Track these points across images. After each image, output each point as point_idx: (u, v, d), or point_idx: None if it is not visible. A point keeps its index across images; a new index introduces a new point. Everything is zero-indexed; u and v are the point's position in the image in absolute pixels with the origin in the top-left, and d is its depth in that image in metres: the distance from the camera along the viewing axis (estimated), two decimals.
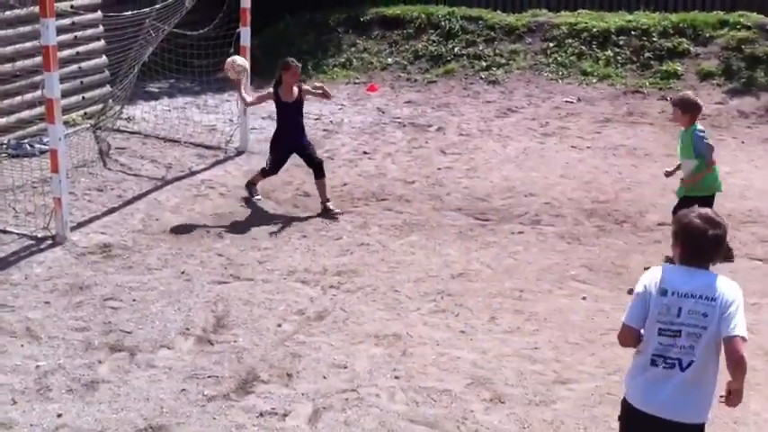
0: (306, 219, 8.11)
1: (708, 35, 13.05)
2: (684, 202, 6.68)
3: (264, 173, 8.47)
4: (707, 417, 3.67)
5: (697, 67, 12.61)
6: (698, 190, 6.90)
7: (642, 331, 3.67)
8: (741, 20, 13.19)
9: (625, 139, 10.59)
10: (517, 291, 6.69)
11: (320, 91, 8.32)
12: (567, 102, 12.12)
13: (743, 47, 12.74)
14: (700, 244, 3.56)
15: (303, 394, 5.24)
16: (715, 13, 13.56)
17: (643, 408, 3.66)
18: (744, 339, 3.47)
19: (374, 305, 6.42)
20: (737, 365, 3.47)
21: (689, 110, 6.96)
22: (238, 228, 7.82)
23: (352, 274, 6.91)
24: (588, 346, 5.88)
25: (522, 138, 10.70)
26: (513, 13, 14.44)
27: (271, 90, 8.31)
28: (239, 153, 9.90)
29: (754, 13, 13.33)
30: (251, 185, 8.56)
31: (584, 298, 6.58)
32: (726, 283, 3.58)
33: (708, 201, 6.70)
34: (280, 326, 6.06)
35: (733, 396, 3.56)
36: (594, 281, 6.88)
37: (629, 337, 3.72)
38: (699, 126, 7.03)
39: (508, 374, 5.51)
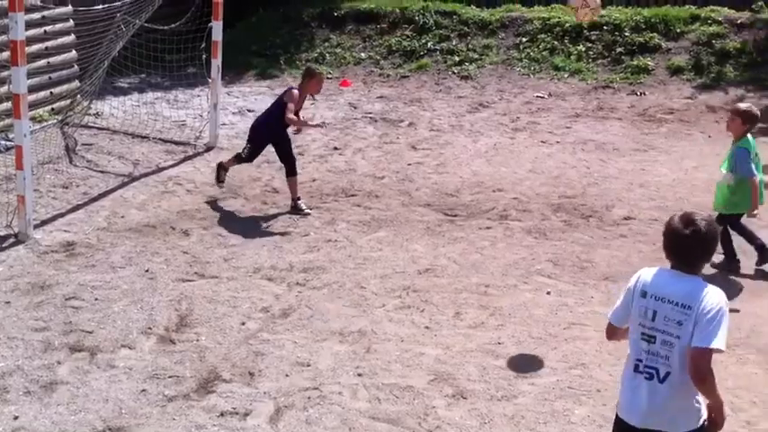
0: (274, 215, 8.08)
1: (679, 30, 13.15)
2: (720, 219, 6.73)
3: (240, 159, 8.39)
4: (696, 425, 3.50)
5: (667, 62, 12.69)
6: (736, 207, 6.88)
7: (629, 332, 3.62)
8: (712, 15, 13.31)
9: (594, 134, 10.64)
10: (483, 286, 6.70)
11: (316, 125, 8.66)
12: (538, 97, 12.16)
13: (713, 42, 12.85)
14: (675, 244, 3.46)
15: (265, 393, 5.22)
16: (687, 7, 13.66)
17: (627, 419, 3.57)
18: (711, 351, 3.31)
19: (340, 302, 6.41)
20: (695, 378, 3.35)
21: (750, 121, 6.75)
22: (205, 225, 7.78)
23: (318, 271, 6.90)
24: (551, 340, 5.91)
25: (492, 133, 10.72)
26: (488, 7, 14.47)
27: (297, 91, 7.99)
28: (208, 149, 9.85)
29: (725, 8, 13.44)
30: (222, 169, 8.44)
31: (548, 292, 6.60)
32: (709, 293, 3.39)
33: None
34: (244, 324, 6.04)
35: (715, 418, 3.46)
36: (559, 275, 6.90)
37: (611, 332, 3.74)
38: (749, 140, 6.79)
39: (471, 370, 5.52)
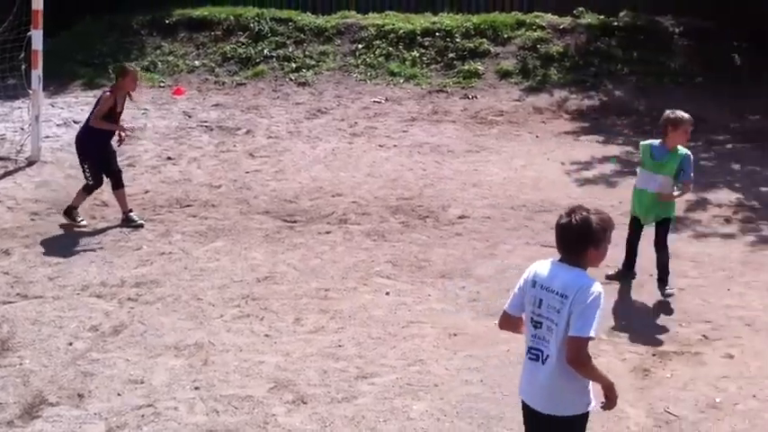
0: (103, 230, 7.73)
1: (506, 36, 13.73)
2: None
3: (89, 189, 7.85)
4: (581, 410, 3.64)
5: (496, 67, 13.22)
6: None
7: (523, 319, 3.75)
8: (536, 20, 14.00)
9: (429, 137, 10.91)
10: (323, 290, 6.69)
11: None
12: (375, 102, 12.34)
13: (538, 46, 13.50)
14: (556, 234, 3.62)
15: (95, 414, 4.95)
16: (513, 14, 14.29)
17: (522, 397, 3.74)
18: (587, 339, 3.45)
19: (175, 315, 6.20)
20: (574, 365, 3.50)
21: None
22: (27, 243, 7.32)
23: (152, 285, 6.65)
24: (390, 339, 5.96)
25: (331, 138, 10.77)
26: (323, 14, 14.54)
27: (109, 93, 7.67)
28: (30, 163, 9.32)
29: (549, 14, 14.18)
30: (72, 210, 7.82)
31: (387, 293, 6.66)
32: (584, 285, 3.52)
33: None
34: (71, 344, 5.71)
35: (609, 397, 3.63)
36: (398, 276, 7.00)
37: (504, 321, 3.83)
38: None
39: (311, 375, 5.48)
